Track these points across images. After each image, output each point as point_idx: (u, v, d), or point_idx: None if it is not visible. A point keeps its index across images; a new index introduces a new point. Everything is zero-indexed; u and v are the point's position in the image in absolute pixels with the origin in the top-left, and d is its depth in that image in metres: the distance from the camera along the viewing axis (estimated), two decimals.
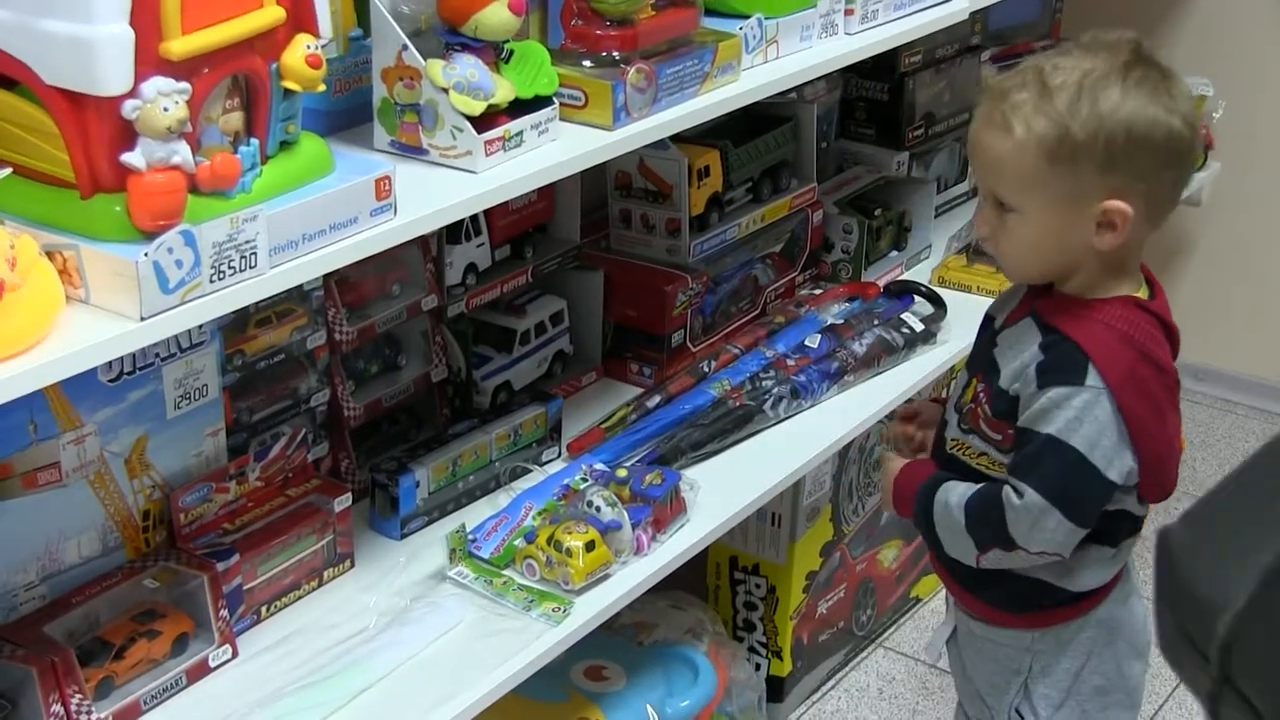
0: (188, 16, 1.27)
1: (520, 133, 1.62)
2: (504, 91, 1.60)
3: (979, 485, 1.63)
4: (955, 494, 1.64)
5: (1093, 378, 1.54)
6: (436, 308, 2.00)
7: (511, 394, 2.12)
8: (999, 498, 1.59)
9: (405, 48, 1.57)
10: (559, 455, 2.07)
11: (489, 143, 1.58)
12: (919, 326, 2.36)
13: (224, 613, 1.67)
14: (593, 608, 1.78)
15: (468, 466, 1.95)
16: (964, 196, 2.88)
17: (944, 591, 1.82)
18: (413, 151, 1.61)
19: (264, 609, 1.74)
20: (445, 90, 1.56)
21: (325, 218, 1.41)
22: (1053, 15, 3.05)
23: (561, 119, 1.68)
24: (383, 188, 1.46)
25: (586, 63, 1.73)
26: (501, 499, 1.97)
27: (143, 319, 1.27)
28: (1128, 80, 1.52)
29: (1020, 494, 1.56)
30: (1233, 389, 3.37)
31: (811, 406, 2.20)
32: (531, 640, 1.72)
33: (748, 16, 1.91)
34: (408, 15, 1.60)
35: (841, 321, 2.33)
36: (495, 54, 1.62)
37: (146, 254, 1.25)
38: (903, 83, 2.62)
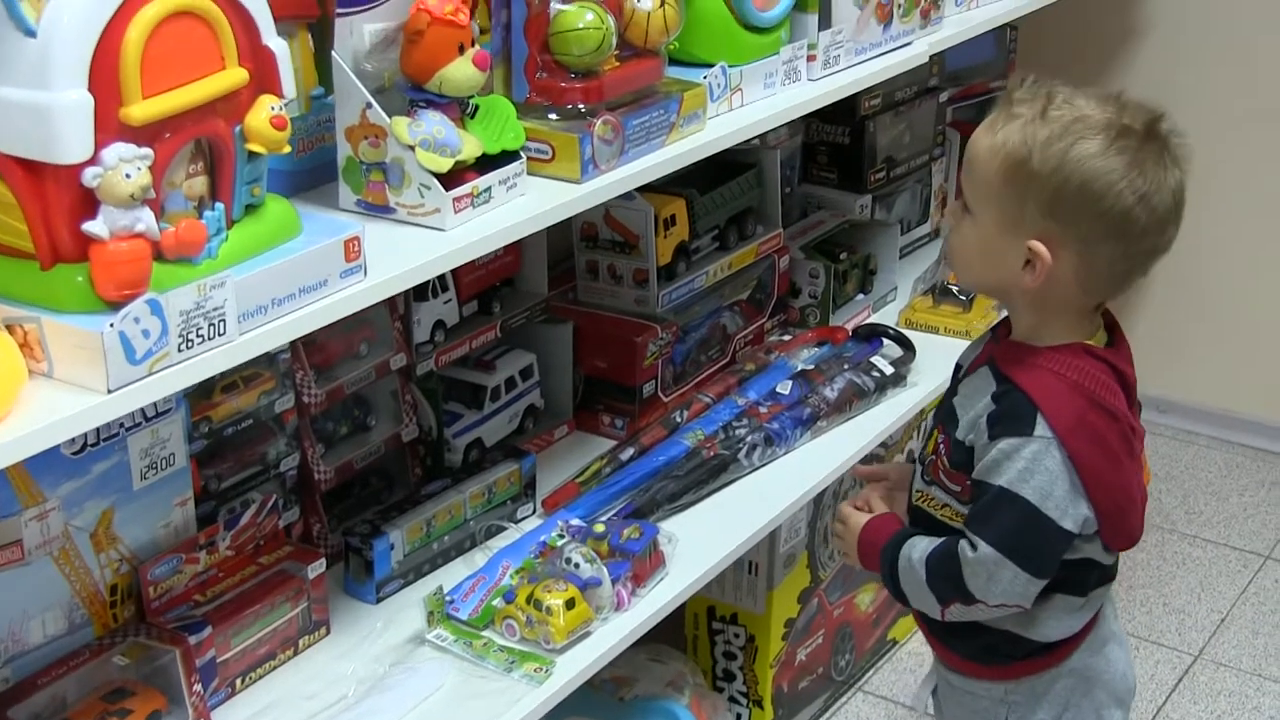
0: (148, 80, 1.24)
1: (488, 188, 1.60)
2: (470, 147, 1.58)
3: (941, 540, 1.62)
4: (918, 549, 1.63)
5: (1041, 427, 1.53)
6: (405, 366, 1.97)
7: (483, 451, 2.09)
8: (957, 552, 1.58)
9: (369, 106, 1.55)
10: (534, 511, 2.04)
11: (457, 200, 1.56)
12: (889, 370, 2.34)
13: (197, 687, 1.63)
14: (575, 666, 1.75)
15: (442, 527, 1.92)
16: (926, 238, 2.88)
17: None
18: (380, 210, 1.59)
19: (239, 681, 1.70)
20: (411, 148, 1.54)
21: (294, 281, 1.38)
22: (1007, 55, 3.07)
23: (529, 173, 1.66)
24: (352, 249, 1.43)
25: (552, 116, 1.71)
26: (478, 558, 1.94)
27: (110, 391, 1.23)
28: (1117, 143, 1.50)
29: (975, 547, 1.56)
30: (1194, 420, 3.37)
31: (786, 453, 2.18)
32: (514, 702, 1.69)
33: (711, 65, 1.90)
34: (370, 73, 1.58)
35: (812, 367, 2.32)
36: (460, 110, 1.60)
37: (112, 324, 1.22)
38: (863, 126, 2.62)
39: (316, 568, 1.77)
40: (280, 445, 1.83)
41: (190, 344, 1.29)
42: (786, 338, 2.42)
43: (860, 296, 2.59)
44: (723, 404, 2.24)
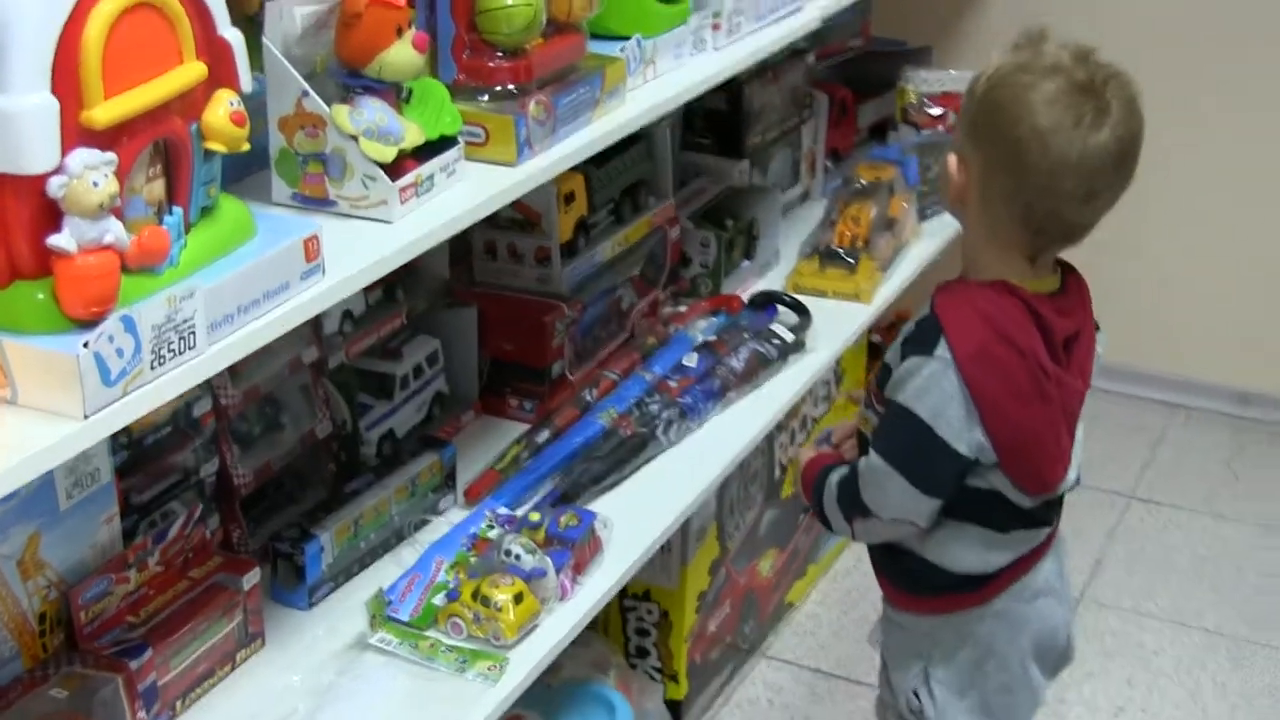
0: (109, 80, 1.15)
1: (431, 176, 1.54)
2: (413, 135, 1.52)
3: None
4: (836, 474, 1.71)
5: (941, 349, 1.57)
6: (317, 360, 1.89)
7: (395, 442, 2.02)
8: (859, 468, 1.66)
9: (305, 94, 1.47)
10: (455, 503, 1.98)
11: (403, 190, 1.50)
12: (789, 337, 2.34)
13: (141, 714, 1.54)
14: (529, 661, 1.71)
15: (369, 525, 1.85)
16: (798, 200, 2.89)
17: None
18: (318, 204, 1.51)
19: (179, 703, 1.62)
20: (354, 137, 1.47)
21: (258, 286, 1.30)
22: (863, 15, 3.08)
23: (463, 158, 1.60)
24: (311, 249, 1.36)
25: (483, 97, 1.65)
26: (406, 555, 1.88)
27: (87, 417, 1.15)
28: (1048, 81, 1.54)
29: (869, 457, 1.64)
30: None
31: (699, 427, 2.17)
32: (472, 702, 1.65)
33: (626, 38, 1.86)
34: (299, 57, 1.50)
35: (714, 338, 2.30)
36: (397, 95, 1.53)
37: (88, 344, 1.13)
38: (740, 91, 2.60)
39: (251, 578, 1.69)
40: (199, 451, 1.74)
41: (162, 360, 1.20)
42: (682, 309, 2.40)
43: (745, 263, 2.58)
44: (631, 380, 2.21)
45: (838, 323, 2.46)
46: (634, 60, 1.86)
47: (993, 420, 1.57)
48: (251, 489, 1.82)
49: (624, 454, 2.05)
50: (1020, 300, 1.59)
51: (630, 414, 2.12)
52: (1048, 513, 1.71)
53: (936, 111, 3.03)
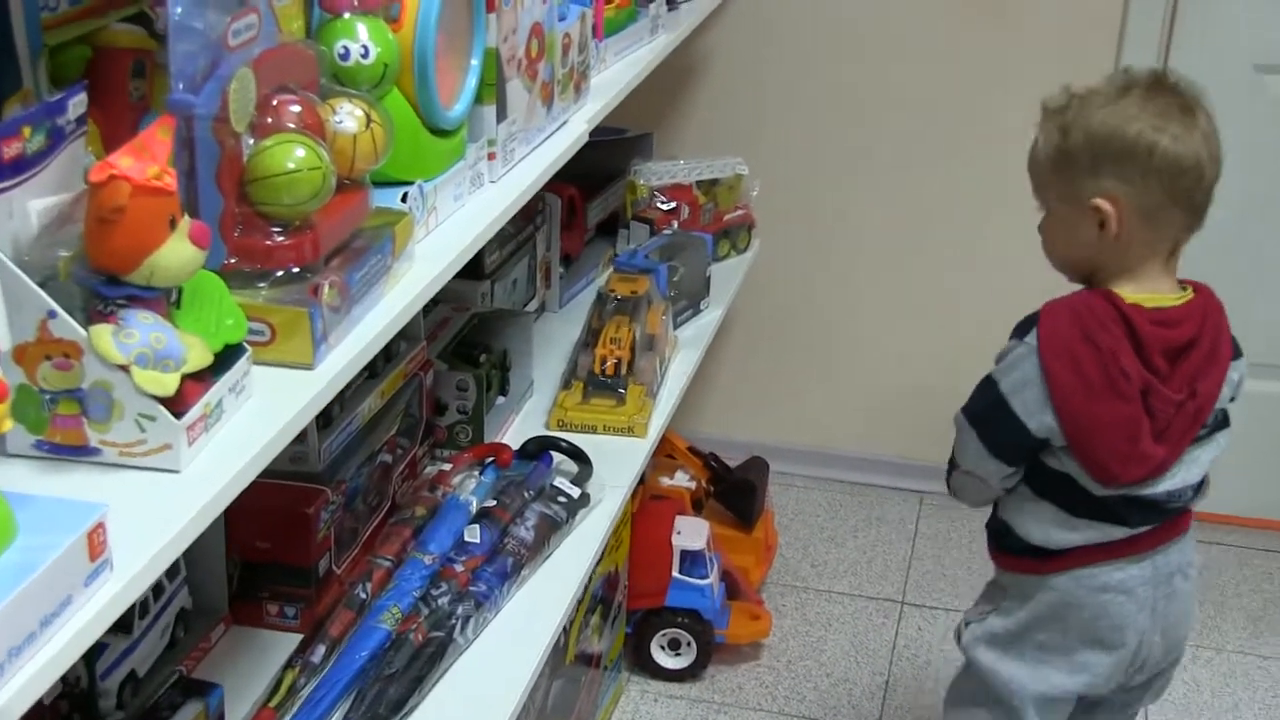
0: None
1: (220, 401, 1.19)
2: (196, 353, 1.17)
3: None
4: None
5: (1031, 337, 1.77)
6: None
7: (138, 686, 1.63)
8: None
9: (53, 315, 1.10)
10: None
11: (190, 428, 1.15)
12: (574, 492, 2.06)
13: None
14: None
15: None
16: (536, 314, 2.61)
17: None
18: (75, 453, 1.14)
19: None
20: (124, 367, 1.11)
21: (33, 614, 0.94)
22: None
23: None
24: (96, 542, 1.00)
25: (261, 284, 1.31)
26: None
27: None
28: (1124, 96, 1.74)
29: (959, 413, 1.86)
30: (792, 462, 3.27)
31: (496, 616, 1.86)
32: None
33: (403, 183, 1.54)
34: (33, 264, 1.13)
35: (493, 502, 2.00)
36: (167, 301, 1.18)
37: None
38: None
39: None
40: None
41: None
42: (446, 466, 2.08)
43: (500, 399, 2.29)
44: (408, 566, 1.88)
45: (618, 464, 2.20)
46: (418, 210, 1.55)
47: (1062, 407, 1.75)
48: None
49: (421, 667, 1.73)
50: (1114, 307, 1.74)
51: (418, 612, 1.80)
52: (1130, 513, 1.80)
53: (668, 205, 2.83)
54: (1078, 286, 1.83)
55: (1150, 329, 1.74)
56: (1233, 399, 1.85)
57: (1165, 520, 1.84)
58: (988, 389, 1.80)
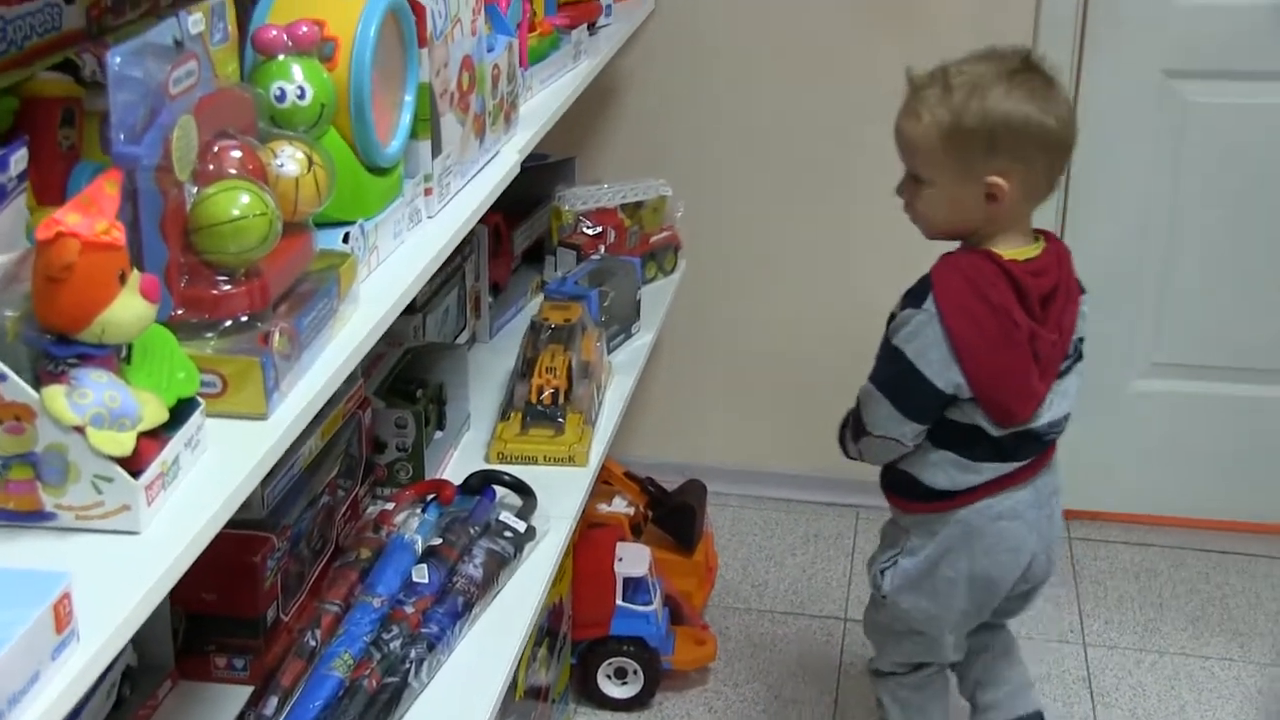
0: None
1: (176, 458, 1.16)
2: (151, 410, 1.13)
3: None
4: (850, 409, 2.11)
5: (929, 304, 1.92)
6: None
7: None
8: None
9: (3, 378, 1.06)
10: None
11: (149, 488, 1.11)
12: (520, 526, 2.04)
13: None
14: None
15: None
16: (467, 345, 2.59)
17: None
18: (28, 519, 1.10)
19: None
20: (79, 429, 1.08)
21: (1, 693, 0.90)
22: None
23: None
24: (62, 614, 0.96)
25: (209, 334, 1.28)
26: None
27: None
28: (1011, 82, 1.90)
29: (866, 384, 2.01)
30: (725, 481, 3.26)
31: (449, 656, 1.84)
32: None
33: (344, 223, 1.52)
34: None
35: (439, 540, 1.97)
36: (118, 357, 1.15)
37: None
38: None
39: None
40: None
41: None
42: (388, 506, 2.05)
43: (438, 434, 2.26)
44: (357, 610, 1.84)
45: (560, 494, 2.18)
46: (361, 250, 1.53)
47: (968, 362, 1.92)
48: None
49: (377, 714, 1.70)
50: (998, 265, 1.93)
51: (370, 657, 1.77)
52: (1019, 448, 2.01)
53: (594, 230, 2.82)
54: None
55: (1029, 280, 1.93)
56: (1081, 339, 2.05)
57: (1043, 450, 2.05)
58: (895, 357, 1.94)
